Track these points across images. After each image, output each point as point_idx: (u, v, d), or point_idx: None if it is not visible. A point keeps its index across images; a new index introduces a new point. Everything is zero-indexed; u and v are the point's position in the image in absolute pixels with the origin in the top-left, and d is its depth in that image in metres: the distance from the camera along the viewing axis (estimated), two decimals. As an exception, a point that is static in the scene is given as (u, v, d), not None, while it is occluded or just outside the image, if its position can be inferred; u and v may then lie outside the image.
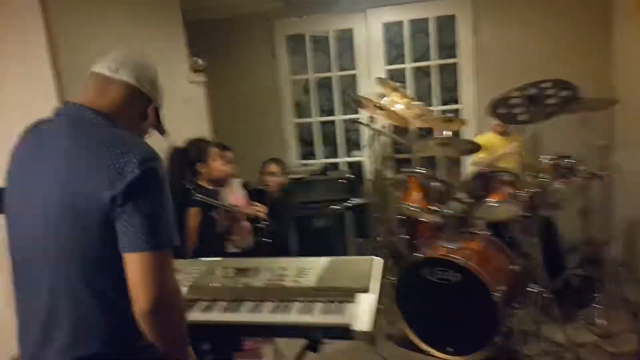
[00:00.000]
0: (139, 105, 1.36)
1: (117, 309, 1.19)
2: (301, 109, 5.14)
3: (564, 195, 3.18)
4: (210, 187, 3.03)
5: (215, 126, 3.87)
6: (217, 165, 2.99)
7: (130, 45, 2.86)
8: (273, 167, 3.68)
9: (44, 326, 1.22)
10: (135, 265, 1.15)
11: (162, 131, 1.45)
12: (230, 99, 4.78)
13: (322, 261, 1.80)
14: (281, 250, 3.50)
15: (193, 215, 2.79)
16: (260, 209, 3.08)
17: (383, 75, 4.60)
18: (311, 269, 1.74)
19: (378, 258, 1.81)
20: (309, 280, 1.65)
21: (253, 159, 3.87)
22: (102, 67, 1.33)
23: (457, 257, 2.90)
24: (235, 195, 3.29)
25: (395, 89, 3.77)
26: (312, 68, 4.87)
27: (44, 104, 2.05)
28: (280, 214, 3.46)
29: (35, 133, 1.33)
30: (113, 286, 1.19)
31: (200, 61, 3.60)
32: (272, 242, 3.32)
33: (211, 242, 2.90)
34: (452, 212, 3.24)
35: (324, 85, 5.08)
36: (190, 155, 2.96)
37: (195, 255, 2.84)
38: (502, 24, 4.41)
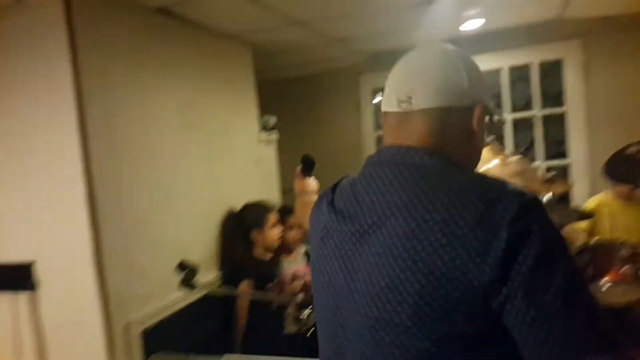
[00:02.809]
0: (460, 121, 0.95)
1: None
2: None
3: None
4: (267, 258, 2.78)
5: (288, 187, 3.66)
6: (274, 233, 2.73)
7: (195, 103, 2.73)
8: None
9: None
10: None
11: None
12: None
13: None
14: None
15: (243, 290, 2.54)
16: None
17: (477, 128, 4.14)
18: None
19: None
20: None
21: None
22: (389, 104, 0.99)
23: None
24: (299, 266, 2.99)
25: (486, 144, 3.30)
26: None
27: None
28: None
29: (343, 190, 1.06)
30: None
31: (272, 120, 3.44)
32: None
33: (265, 323, 2.55)
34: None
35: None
36: (246, 221, 2.75)
37: (245, 339, 2.54)
38: (618, 66, 3.79)
